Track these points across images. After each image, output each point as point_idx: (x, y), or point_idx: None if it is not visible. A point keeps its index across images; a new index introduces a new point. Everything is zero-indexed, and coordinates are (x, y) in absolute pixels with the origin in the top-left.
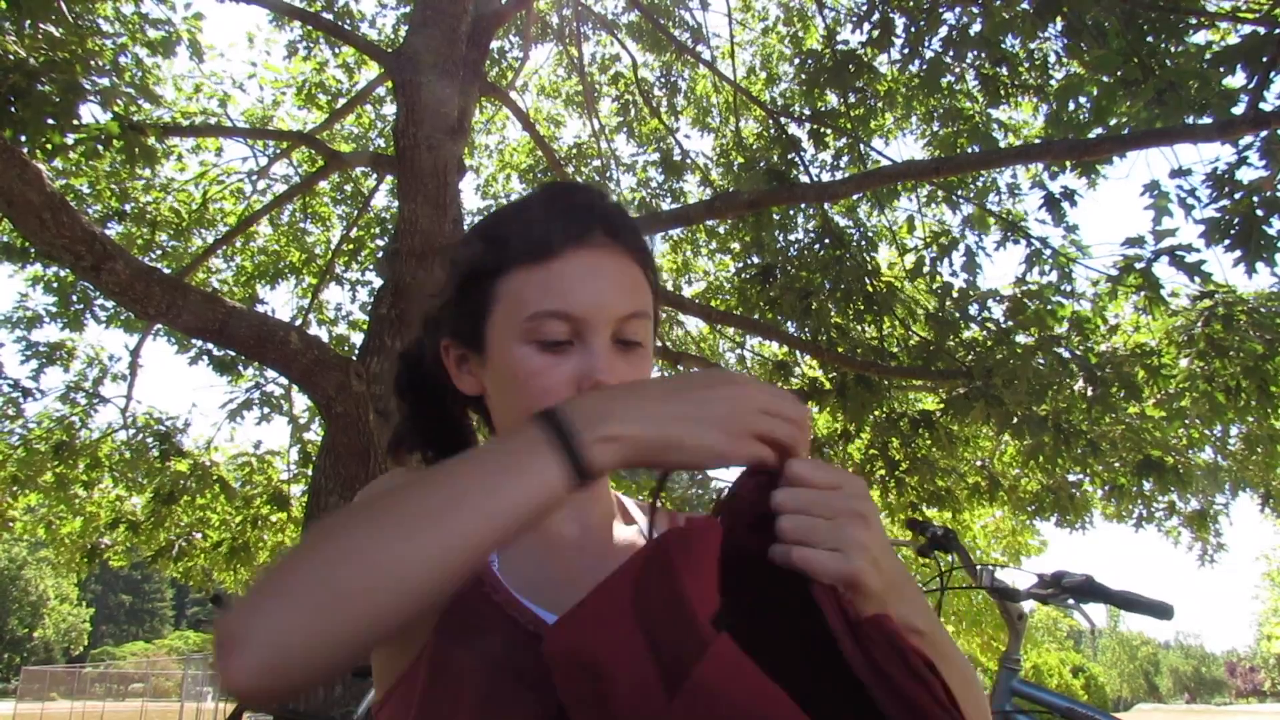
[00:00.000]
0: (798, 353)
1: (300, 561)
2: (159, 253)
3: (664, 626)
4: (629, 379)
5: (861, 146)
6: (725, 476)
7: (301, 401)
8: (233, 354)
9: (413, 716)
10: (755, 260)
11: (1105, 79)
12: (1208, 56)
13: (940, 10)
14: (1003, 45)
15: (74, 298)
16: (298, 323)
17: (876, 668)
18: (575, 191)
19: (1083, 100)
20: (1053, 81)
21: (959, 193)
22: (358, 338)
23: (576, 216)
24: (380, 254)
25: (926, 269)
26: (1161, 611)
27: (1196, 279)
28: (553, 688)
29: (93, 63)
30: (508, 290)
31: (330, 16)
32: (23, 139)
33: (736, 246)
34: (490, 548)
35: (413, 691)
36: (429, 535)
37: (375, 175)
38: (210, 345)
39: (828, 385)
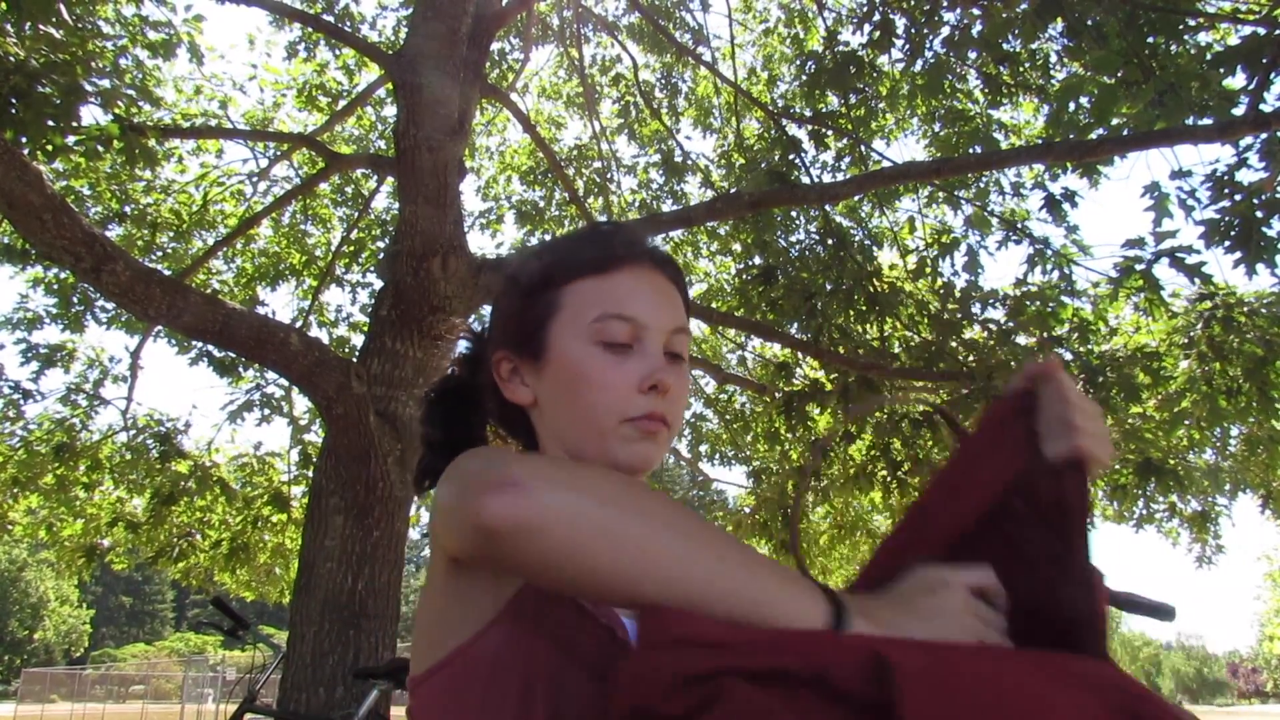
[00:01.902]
0: (799, 354)
1: (634, 501)
2: (159, 254)
3: None
4: (678, 387)
5: (862, 147)
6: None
7: (302, 403)
8: (233, 355)
9: (476, 694)
10: (757, 261)
11: (1106, 80)
12: (1208, 57)
13: (941, 11)
14: (1004, 46)
15: (74, 299)
16: (298, 324)
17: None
18: (626, 226)
19: (1083, 101)
20: (1053, 82)
21: (960, 193)
22: (358, 339)
23: (631, 243)
24: (381, 256)
25: (928, 269)
26: (1163, 613)
27: (1197, 280)
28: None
29: (93, 64)
30: (572, 297)
31: (330, 18)
32: (23, 140)
33: (738, 248)
34: (726, 615)
35: (474, 669)
36: (710, 574)
37: (376, 177)
38: (210, 347)
39: (829, 386)
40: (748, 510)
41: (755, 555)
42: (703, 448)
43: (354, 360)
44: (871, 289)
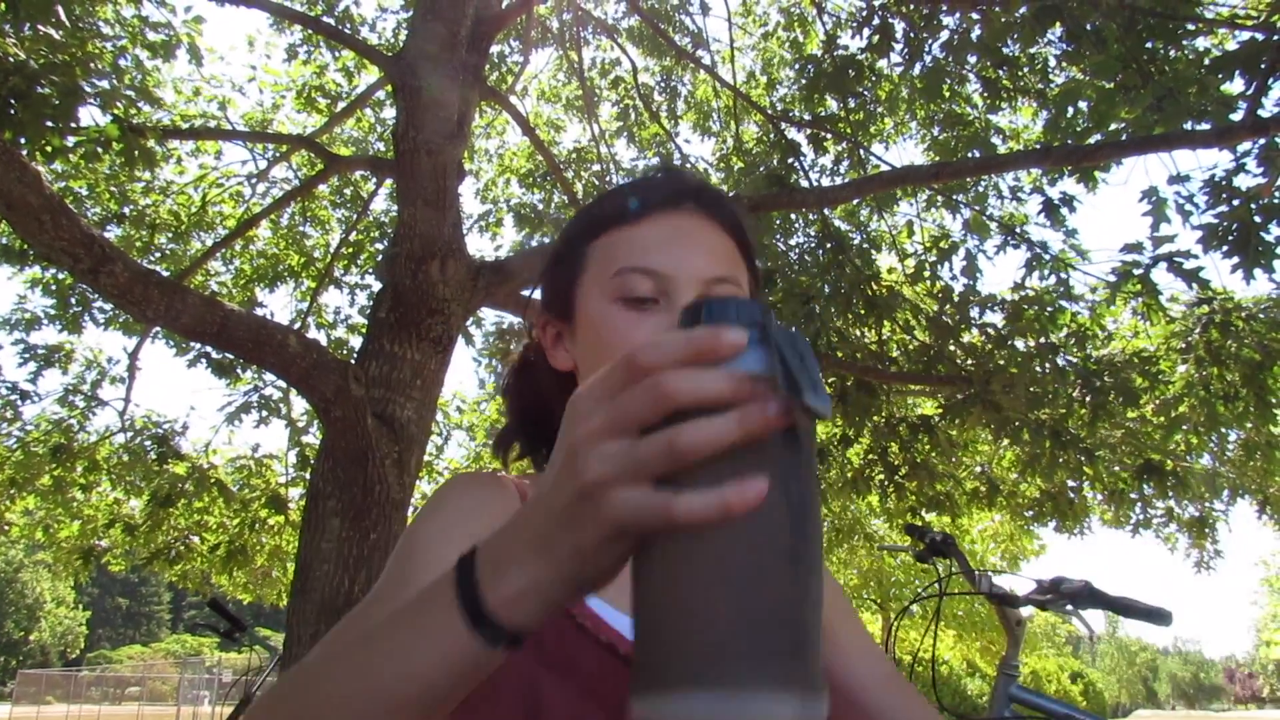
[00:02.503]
0: None
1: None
2: (158, 255)
3: None
4: None
5: (861, 151)
6: None
7: (300, 405)
8: (231, 357)
9: (482, 716)
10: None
11: (1104, 84)
12: (1207, 62)
13: (940, 15)
14: (1002, 50)
15: (72, 300)
16: (296, 326)
17: None
18: (673, 169)
19: (1082, 106)
20: (1052, 87)
21: (959, 197)
22: (356, 341)
23: (669, 187)
24: (379, 258)
25: (927, 273)
26: (1160, 617)
27: (1194, 285)
28: (609, 692)
29: (93, 65)
30: (597, 251)
31: (330, 20)
32: (22, 141)
33: None
34: (421, 708)
35: (488, 706)
36: (359, 702)
37: (374, 179)
38: (209, 348)
39: (828, 390)
40: None
41: (384, 627)
42: None
43: (352, 362)
44: (870, 293)
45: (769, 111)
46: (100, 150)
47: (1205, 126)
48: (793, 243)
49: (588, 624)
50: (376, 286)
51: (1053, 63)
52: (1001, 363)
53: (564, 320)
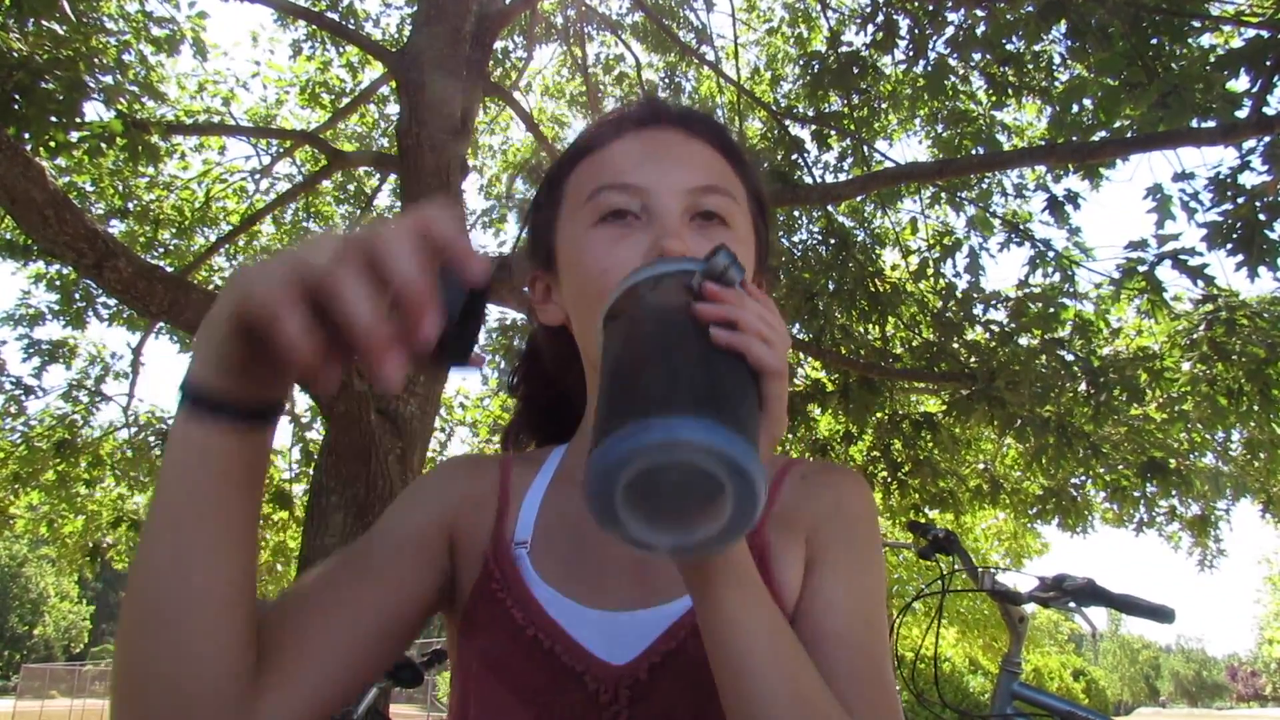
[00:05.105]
0: (801, 354)
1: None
2: (162, 251)
3: None
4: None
5: (865, 148)
6: None
7: (303, 401)
8: None
9: (451, 704)
10: None
11: (1109, 81)
12: (1212, 60)
13: (944, 12)
14: (1007, 47)
15: (76, 295)
16: None
17: None
18: (657, 98)
19: (1086, 103)
20: (1057, 84)
21: (962, 194)
22: None
23: (644, 108)
24: None
25: (930, 270)
26: (1162, 615)
27: (1199, 282)
28: (546, 698)
29: (96, 60)
30: (571, 183)
31: (334, 16)
32: (26, 136)
33: None
34: (191, 544)
35: (455, 679)
36: (157, 552)
37: (378, 175)
38: None
39: (831, 387)
40: None
41: None
42: None
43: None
44: (873, 289)
45: (773, 108)
46: (104, 145)
47: (1210, 124)
48: (796, 239)
49: (525, 625)
50: None
51: (1057, 59)
52: (1005, 360)
53: (548, 268)
